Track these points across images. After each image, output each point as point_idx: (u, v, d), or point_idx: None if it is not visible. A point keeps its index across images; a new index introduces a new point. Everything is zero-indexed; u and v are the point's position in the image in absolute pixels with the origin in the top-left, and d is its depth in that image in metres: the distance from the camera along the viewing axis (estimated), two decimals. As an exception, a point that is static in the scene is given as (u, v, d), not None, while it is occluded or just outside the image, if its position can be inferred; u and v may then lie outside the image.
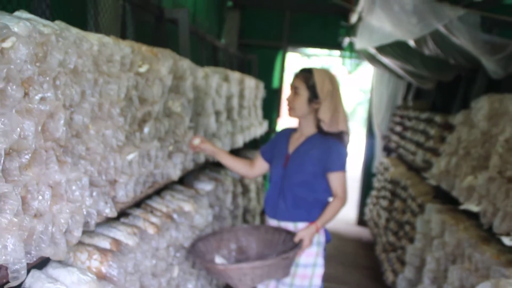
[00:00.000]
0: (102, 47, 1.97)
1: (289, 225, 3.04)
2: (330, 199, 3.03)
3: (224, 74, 4.57)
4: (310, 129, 3.05)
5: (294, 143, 3.11)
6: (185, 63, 3.09)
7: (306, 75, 2.97)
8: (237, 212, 4.87)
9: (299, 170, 2.99)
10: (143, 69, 2.44)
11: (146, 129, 2.44)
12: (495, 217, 2.52)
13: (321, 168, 2.95)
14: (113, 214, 1.97)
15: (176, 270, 2.83)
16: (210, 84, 3.74)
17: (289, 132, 3.22)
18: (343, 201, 2.97)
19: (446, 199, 3.77)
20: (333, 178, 2.95)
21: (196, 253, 2.94)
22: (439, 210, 3.64)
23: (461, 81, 4.93)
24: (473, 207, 2.87)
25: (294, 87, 2.99)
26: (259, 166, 3.31)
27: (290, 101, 3.02)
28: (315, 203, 3.00)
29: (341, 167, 2.96)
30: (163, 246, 2.57)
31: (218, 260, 3.09)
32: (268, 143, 3.32)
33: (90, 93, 1.87)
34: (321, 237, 3.03)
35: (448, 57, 4.13)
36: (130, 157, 2.20)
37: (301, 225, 3.00)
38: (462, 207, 3.00)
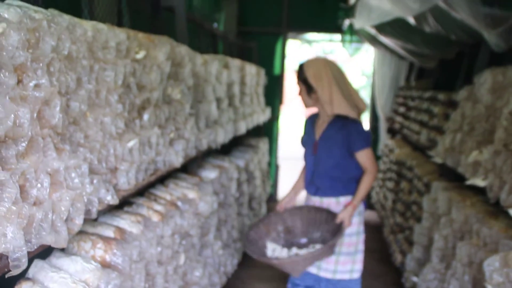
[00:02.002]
0: (97, 33, 1.95)
1: (331, 200, 3.29)
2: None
3: (224, 61, 4.54)
4: (326, 116, 3.29)
5: (319, 130, 3.34)
6: (183, 50, 3.07)
7: (299, 70, 3.25)
8: (243, 200, 4.86)
9: (328, 155, 3.25)
10: (140, 56, 2.41)
11: (145, 116, 2.42)
12: (502, 191, 2.49)
13: (347, 149, 3.20)
14: (115, 201, 1.95)
15: (182, 258, 2.82)
16: (209, 71, 3.71)
17: (314, 118, 3.45)
18: (374, 174, 3.20)
19: (452, 177, 3.74)
20: (360, 156, 3.19)
21: (250, 243, 3.19)
22: (446, 187, 3.61)
23: (463, 57, 4.88)
24: (479, 182, 2.83)
25: (296, 83, 3.29)
26: None
27: (299, 95, 3.30)
28: (350, 179, 3.25)
29: (364, 145, 3.19)
30: (168, 234, 2.56)
31: (270, 245, 3.30)
32: (303, 133, 3.51)
33: (86, 80, 1.85)
34: (360, 208, 3.31)
35: (449, 33, 4.08)
36: (130, 144, 2.18)
37: (342, 199, 3.28)
38: (468, 182, 2.96)
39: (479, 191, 3.09)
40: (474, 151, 3.05)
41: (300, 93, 3.28)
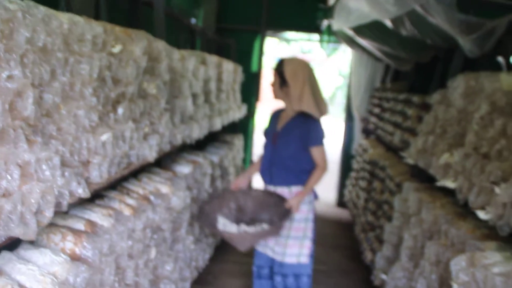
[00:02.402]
0: (73, 26, 1.94)
1: (284, 189, 3.56)
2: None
3: (201, 57, 4.54)
4: (293, 111, 3.55)
5: (281, 122, 3.63)
6: (160, 45, 3.06)
7: (278, 64, 3.50)
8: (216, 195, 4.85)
9: (286, 146, 3.53)
10: (116, 50, 2.40)
11: (120, 110, 2.41)
12: (470, 192, 2.54)
13: (303, 144, 3.48)
14: (86, 194, 1.94)
15: (153, 252, 2.82)
16: (186, 67, 3.71)
17: (279, 112, 3.74)
18: (324, 169, 3.53)
19: (423, 178, 3.79)
20: (314, 151, 3.49)
21: (203, 215, 3.48)
22: (417, 188, 3.66)
23: (438, 61, 4.94)
24: (449, 184, 2.88)
25: (274, 79, 3.53)
26: None
27: (272, 85, 3.56)
28: (302, 171, 3.53)
29: (319, 142, 3.49)
30: (139, 228, 2.55)
31: (221, 219, 3.58)
32: (267, 125, 3.79)
33: (60, 72, 1.84)
34: (311, 198, 3.59)
35: (425, 37, 4.13)
36: (103, 137, 2.17)
37: (294, 188, 3.55)
38: (439, 183, 3.01)
39: (449, 193, 3.14)
40: (445, 153, 3.10)
41: (273, 84, 3.55)
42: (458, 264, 2.38)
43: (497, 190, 2.23)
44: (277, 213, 3.48)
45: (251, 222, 3.63)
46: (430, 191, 3.53)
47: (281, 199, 3.50)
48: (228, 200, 3.72)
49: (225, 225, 3.54)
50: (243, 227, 3.54)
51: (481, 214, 2.38)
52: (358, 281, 4.84)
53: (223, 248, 5.27)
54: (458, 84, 3.25)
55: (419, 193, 3.51)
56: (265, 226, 3.53)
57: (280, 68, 3.46)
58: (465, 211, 2.90)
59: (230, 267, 4.92)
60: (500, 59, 4.06)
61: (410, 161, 3.85)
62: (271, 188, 3.60)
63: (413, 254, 3.35)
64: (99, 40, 2.16)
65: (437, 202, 3.22)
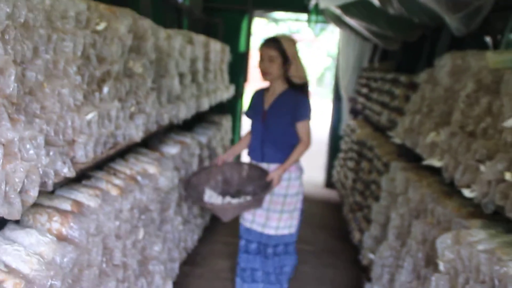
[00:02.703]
0: (55, 2, 1.91)
1: (277, 165, 3.63)
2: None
3: (188, 36, 4.50)
4: (281, 87, 3.63)
5: (268, 101, 3.67)
6: (146, 23, 3.03)
7: (276, 44, 3.50)
8: (204, 176, 4.85)
9: (277, 123, 3.62)
10: (100, 27, 2.37)
11: (105, 89, 2.39)
12: (456, 171, 2.55)
13: (292, 119, 3.57)
14: (72, 173, 1.93)
15: (141, 232, 2.81)
16: (173, 46, 3.68)
17: (262, 92, 3.78)
18: (307, 144, 3.62)
19: (410, 157, 3.81)
20: (300, 126, 3.58)
21: (190, 187, 3.60)
22: (404, 167, 3.67)
23: (425, 40, 4.94)
24: (435, 162, 2.89)
25: (269, 56, 3.50)
26: None
27: (267, 68, 3.54)
28: (292, 146, 3.63)
29: (307, 116, 3.59)
30: (126, 208, 2.55)
31: (208, 191, 3.73)
32: (249, 106, 3.84)
33: (43, 50, 1.82)
34: (292, 174, 3.67)
35: (412, 16, 4.12)
36: (89, 116, 2.15)
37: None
38: (425, 162, 3.02)
39: (436, 172, 3.16)
40: (431, 132, 3.11)
41: (270, 66, 3.52)
42: (444, 242, 2.40)
43: (482, 168, 2.25)
44: (260, 185, 3.63)
45: (236, 194, 3.79)
46: (417, 170, 3.54)
47: (264, 172, 3.63)
48: (215, 173, 3.84)
49: (211, 196, 3.69)
50: (228, 199, 3.68)
51: (467, 192, 2.39)
52: (346, 261, 4.88)
53: (212, 229, 5.29)
54: (445, 63, 3.25)
55: (406, 173, 3.52)
56: (248, 198, 3.65)
57: (280, 47, 3.50)
58: (451, 190, 2.91)
59: (219, 248, 4.93)
60: (487, 38, 4.06)
61: (397, 140, 3.86)
62: (264, 165, 3.69)
63: (400, 233, 3.37)
64: (83, 17, 2.13)
65: (423, 181, 3.24)
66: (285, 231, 3.72)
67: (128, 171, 2.87)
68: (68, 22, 2.00)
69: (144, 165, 3.10)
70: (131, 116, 2.77)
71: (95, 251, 2.14)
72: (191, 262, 4.43)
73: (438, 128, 3.05)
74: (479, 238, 2.23)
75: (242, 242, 3.83)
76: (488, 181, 2.20)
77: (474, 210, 2.59)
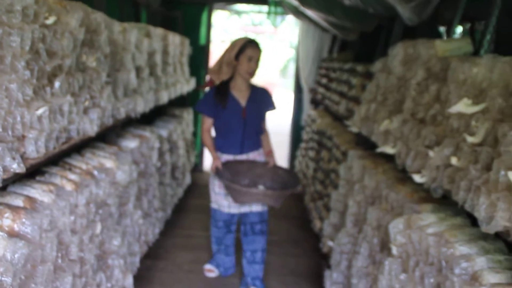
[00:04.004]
0: (0, -4, 1.88)
1: (255, 153, 3.98)
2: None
3: (145, 29, 4.48)
4: (249, 84, 3.91)
5: (242, 98, 3.88)
6: (99, 17, 3.00)
7: (259, 45, 3.79)
8: (165, 169, 4.85)
9: (257, 115, 3.92)
10: (50, 21, 2.34)
11: (57, 84, 2.36)
12: (408, 157, 2.61)
13: (264, 109, 3.97)
14: (22, 169, 1.91)
15: (98, 227, 2.80)
16: (128, 39, 3.65)
17: (217, 90, 3.87)
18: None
19: (367, 145, 3.88)
20: (267, 115, 4.02)
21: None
22: (360, 156, 3.74)
23: (382, 30, 5.01)
24: (389, 150, 2.95)
25: (257, 58, 3.76)
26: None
27: (255, 69, 3.78)
28: (259, 133, 4.00)
29: (274, 106, 4.02)
30: (82, 203, 2.53)
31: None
32: (206, 105, 3.88)
33: (-12, 45, 1.79)
34: (262, 158, 4.04)
35: (367, 6, 4.18)
36: (39, 112, 2.13)
37: (260, 150, 4.04)
38: (379, 150, 3.09)
39: (391, 159, 3.22)
40: (385, 120, 3.17)
41: (257, 64, 3.78)
42: (396, 227, 2.47)
43: (431, 153, 2.31)
44: (275, 179, 3.94)
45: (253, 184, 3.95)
46: (373, 158, 3.61)
47: (262, 163, 3.97)
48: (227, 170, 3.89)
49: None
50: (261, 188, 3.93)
51: (417, 178, 2.45)
52: (307, 249, 4.94)
53: (173, 222, 5.29)
54: (397, 52, 3.31)
55: (363, 160, 3.59)
56: (261, 187, 3.94)
57: (260, 50, 3.78)
58: (405, 176, 2.98)
59: (182, 241, 4.93)
60: (442, 27, 4.15)
61: (354, 129, 3.92)
62: (243, 156, 3.94)
63: (357, 220, 3.44)
64: (30, 11, 2.10)
65: (379, 168, 3.30)
66: (259, 208, 3.99)
67: (84, 166, 2.85)
68: (14, 16, 1.98)
69: (101, 159, 3.08)
70: (85, 111, 2.75)
71: (49, 246, 2.12)
72: (153, 255, 4.43)
73: (391, 116, 3.12)
74: (429, 222, 2.29)
75: (222, 224, 4.10)
76: (436, 166, 2.26)
77: (426, 195, 2.66)
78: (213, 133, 3.98)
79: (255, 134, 3.95)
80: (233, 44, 3.77)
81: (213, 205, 4.08)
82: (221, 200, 3.99)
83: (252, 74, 3.79)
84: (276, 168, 4.01)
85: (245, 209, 3.97)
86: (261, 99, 3.93)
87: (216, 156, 3.88)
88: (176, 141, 5.46)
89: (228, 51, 3.77)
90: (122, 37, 3.50)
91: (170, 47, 5.31)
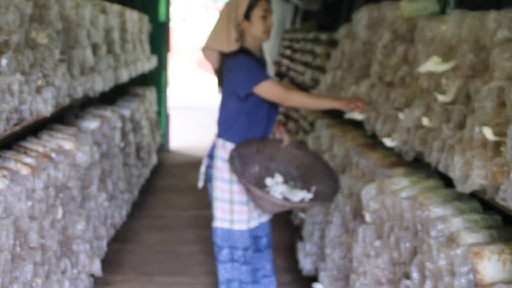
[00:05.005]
0: None
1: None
2: None
3: (100, 5, 4.30)
4: (257, 50, 2.94)
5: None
6: (47, -10, 2.83)
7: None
8: (129, 150, 4.72)
9: None
10: (-8, -6, 2.19)
11: (3, 61, 2.21)
12: (377, 122, 2.55)
13: None
14: (-33, 152, 1.78)
15: (60, 211, 2.67)
16: (82, 15, 3.49)
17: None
18: None
19: (335, 114, 3.81)
20: None
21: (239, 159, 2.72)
22: (328, 124, 3.68)
23: (344, -2, 4.94)
24: (357, 116, 2.88)
25: (271, 12, 2.83)
26: None
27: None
28: None
29: None
30: (40, 187, 2.40)
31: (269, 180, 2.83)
32: (263, 71, 2.86)
33: None
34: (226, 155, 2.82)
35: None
36: (-15, 91, 1.98)
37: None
38: (346, 116, 3.01)
39: (360, 125, 3.16)
40: (352, 86, 3.10)
41: (269, 20, 2.81)
42: (368, 193, 2.41)
43: (400, 116, 2.24)
44: (290, 162, 2.93)
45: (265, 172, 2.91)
46: (341, 126, 3.55)
47: (274, 141, 2.97)
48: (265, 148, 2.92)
49: (277, 184, 2.83)
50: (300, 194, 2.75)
51: (388, 142, 2.39)
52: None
53: (141, 203, 5.17)
54: (362, 16, 3.24)
55: (331, 129, 3.53)
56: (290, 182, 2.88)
57: None
58: (375, 142, 2.92)
59: (150, 222, 4.83)
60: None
61: (321, 98, 3.85)
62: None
63: (328, 189, 3.38)
64: (-32, -17, 1.95)
65: (348, 135, 3.24)
66: (225, 225, 2.89)
67: (41, 149, 2.71)
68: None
69: (59, 141, 2.94)
70: (38, 90, 2.59)
71: (5, 234, 2.00)
72: (121, 238, 4.30)
73: (359, 82, 3.04)
74: (402, 186, 2.24)
75: (240, 252, 2.89)
76: (407, 129, 2.20)
77: (397, 159, 2.61)
78: (227, 122, 2.87)
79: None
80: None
81: (224, 224, 2.87)
82: (243, 213, 2.85)
83: (270, 32, 2.87)
84: (292, 147, 2.97)
85: (265, 218, 3.02)
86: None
87: (339, 98, 2.90)
88: (139, 120, 5.31)
89: (230, 10, 2.77)
90: (75, 12, 3.34)
91: (128, 24, 5.13)
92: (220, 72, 2.90)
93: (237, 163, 2.69)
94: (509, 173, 1.42)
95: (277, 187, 2.78)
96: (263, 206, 2.70)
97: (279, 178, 2.85)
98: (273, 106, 2.88)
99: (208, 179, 2.93)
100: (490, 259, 1.58)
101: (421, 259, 1.85)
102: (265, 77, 2.73)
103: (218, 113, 2.93)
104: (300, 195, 2.73)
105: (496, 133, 1.54)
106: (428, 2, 2.78)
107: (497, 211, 1.85)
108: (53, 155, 2.72)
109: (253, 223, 2.90)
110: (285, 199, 2.70)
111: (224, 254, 2.88)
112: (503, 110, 1.55)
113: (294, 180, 2.89)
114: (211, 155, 2.91)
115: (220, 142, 2.85)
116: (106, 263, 3.66)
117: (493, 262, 1.58)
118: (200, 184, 3.02)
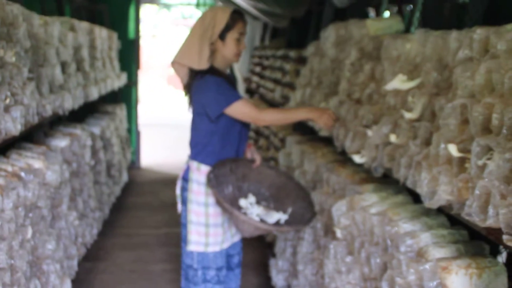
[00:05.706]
0: None
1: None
2: None
3: (69, 23, 4.28)
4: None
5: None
6: (15, 8, 2.81)
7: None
8: (100, 167, 4.69)
9: None
10: (-41, 14, 2.17)
11: (-29, 81, 2.19)
12: (346, 138, 2.58)
13: None
14: None
15: (29, 231, 2.63)
16: (51, 33, 3.47)
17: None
18: None
19: (305, 131, 3.86)
20: None
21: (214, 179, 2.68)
22: (299, 141, 3.71)
23: (312, 15, 5.01)
24: (325, 132, 2.93)
25: (245, 35, 2.84)
26: None
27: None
28: None
29: None
30: (9, 207, 2.37)
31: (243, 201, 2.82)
32: (234, 91, 2.82)
33: None
34: (203, 179, 2.81)
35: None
36: (-47, 111, 1.96)
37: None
38: (320, 134, 3.05)
39: (330, 142, 3.20)
40: (321, 103, 3.14)
41: (243, 43, 2.82)
42: (339, 209, 2.44)
43: (369, 132, 2.28)
44: (261, 181, 2.93)
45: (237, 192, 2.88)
46: (311, 142, 3.59)
47: (246, 161, 2.95)
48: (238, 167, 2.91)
49: (252, 204, 2.82)
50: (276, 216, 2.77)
51: (357, 158, 2.43)
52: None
53: (111, 222, 5.12)
54: (329, 34, 3.29)
55: (301, 146, 3.56)
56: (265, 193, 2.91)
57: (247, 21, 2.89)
58: (345, 158, 2.96)
59: (122, 240, 4.78)
60: (370, 9, 4.17)
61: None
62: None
63: (299, 206, 3.40)
64: None
65: (318, 152, 3.28)
66: (200, 248, 2.84)
67: (9, 168, 2.68)
68: None
69: (29, 160, 2.91)
70: (7, 109, 2.57)
71: (-27, 256, 1.97)
72: (92, 257, 4.26)
73: (328, 99, 3.09)
74: (372, 202, 2.28)
75: (212, 272, 2.85)
76: (375, 145, 2.24)
77: (366, 175, 2.65)
78: (198, 142, 2.83)
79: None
80: (212, 17, 2.71)
81: (199, 248, 2.82)
82: (218, 235, 2.83)
83: (240, 55, 2.87)
84: (263, 167, 2.99)
85: (237, 237, 3.00)
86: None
87: (311, 109, 2.83)
88: (109, 138, 5.28)
89: (206, 28, 2.69)
90: (43, 30, 3.32)
91: (97, 41, 5.11)
92: (189, 88, 2.85)
93: (214, 184, 2.65)
94: (474, 189, 1.46)
95: (253, 209, 2.78)
96: (244, 229, 2.63)
97: (252, 198, 2.84)
98: (245, 125, 2.86)
99: (183, 201, 2.90)
100: (458, 274, 1.61)
101: (391, 274, 1.88)
102: (236, 97, 2.70)
103: (190, 134, 2.90)
104: (275, 217, 2.74)
105: (460, 150, 1.59)
106: (393, 21, 2.85)
107: (463, 225, 1.89)
108: (22, 174, 2.69)
109: (226, 244, 2.88)
110: (262, 221, 2.69)
111: (198, 275, 2.85)
112: (466, 127, 1.60)
113: (266, 200, 2.89)
114: (185, 178, 2.88)
115: (195, 164, 2.82)
116: (77, 282, 3.62)
117: (461, 276, 1.61)
118: (179, 208, 2.94)
